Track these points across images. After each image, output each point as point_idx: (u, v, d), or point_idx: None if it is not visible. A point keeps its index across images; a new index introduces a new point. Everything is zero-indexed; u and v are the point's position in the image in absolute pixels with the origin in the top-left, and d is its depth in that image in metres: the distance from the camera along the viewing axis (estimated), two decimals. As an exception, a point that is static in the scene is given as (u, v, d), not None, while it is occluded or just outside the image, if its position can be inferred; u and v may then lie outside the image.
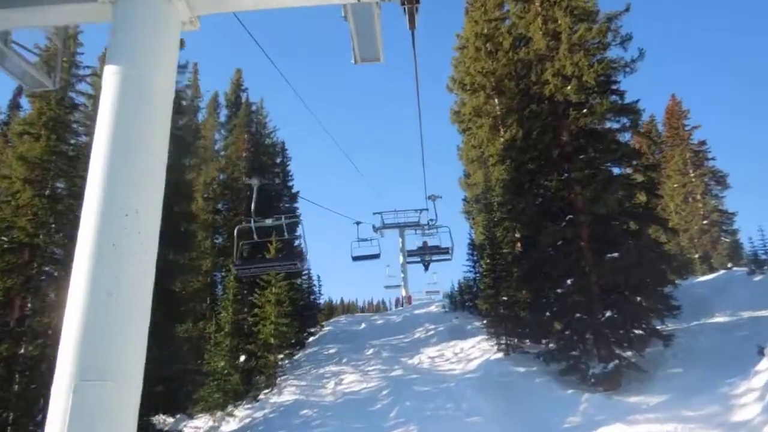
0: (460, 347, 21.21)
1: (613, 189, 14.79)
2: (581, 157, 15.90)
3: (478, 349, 19.90)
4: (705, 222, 38.35)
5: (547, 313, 15.61)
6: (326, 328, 32.78)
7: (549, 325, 15.86)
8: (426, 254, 26.98)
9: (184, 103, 18.32)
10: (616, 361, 13.95)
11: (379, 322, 33.25)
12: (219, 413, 19.54)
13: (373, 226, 41.80)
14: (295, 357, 27.06)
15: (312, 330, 31.85)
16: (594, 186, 14.89)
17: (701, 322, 18.70)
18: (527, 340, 18.60)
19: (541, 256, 15.49)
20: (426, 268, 28.88)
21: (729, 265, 37.61)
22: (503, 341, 18.41)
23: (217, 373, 20.47)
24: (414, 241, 29.69)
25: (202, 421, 19.95)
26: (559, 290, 15.33)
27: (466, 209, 25.44)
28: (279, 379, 20.64)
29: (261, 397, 19.77)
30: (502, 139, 21.94)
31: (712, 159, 40.06)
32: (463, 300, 30.07)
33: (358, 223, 29.67)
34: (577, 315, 14.54)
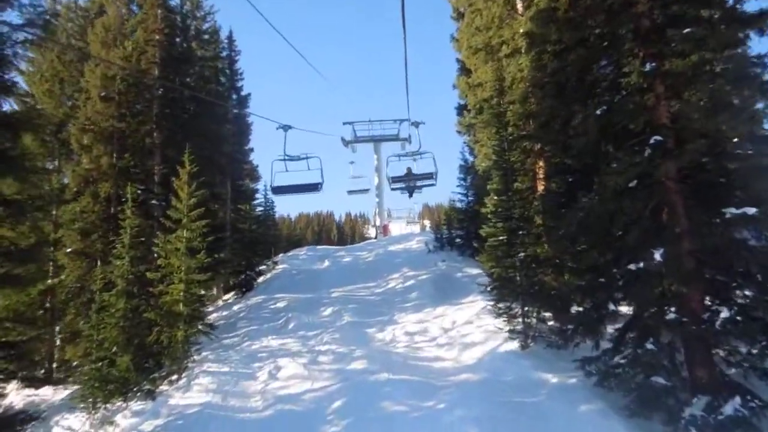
0: (452, 319, 15.14)
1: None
2: (684, 32, 8.99)
3: (478, 329, 13.80)
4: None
5: (611, 306, 9.22)
6: (280, 266, 26.60)
7: (604, 321, 9.58)
8: (410, 180, 25.07)
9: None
10: (737, 399, 7.90)
11: (346, 259, 27.14)
12: (100, 412, 13.59)
13: (342, 139, 34.81)
14: (234, 308, 21.12)
15: (263, 268, 25.81)
16: (713, 89, 8.22)
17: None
18: (553, 320, 12.59)
19: (602, 209, 8.96)
20: (410, 195, 26.28)
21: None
22: (519, 326, 12.29)
23: (103, 350, 14.29)
24: (396, 168, 26.15)
25: (79, 420, 14.01)
26: (632, 266, 8.90)
27: (464, 121, 18.43)
28: (193, 358, 14.52)
29: (163, 388, 13.69)
30: (522, 18, 14.79)
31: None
32: (451, 236, 24.01)
33: (285, 128, 21.83)
34: (672, 315, 8.23)
